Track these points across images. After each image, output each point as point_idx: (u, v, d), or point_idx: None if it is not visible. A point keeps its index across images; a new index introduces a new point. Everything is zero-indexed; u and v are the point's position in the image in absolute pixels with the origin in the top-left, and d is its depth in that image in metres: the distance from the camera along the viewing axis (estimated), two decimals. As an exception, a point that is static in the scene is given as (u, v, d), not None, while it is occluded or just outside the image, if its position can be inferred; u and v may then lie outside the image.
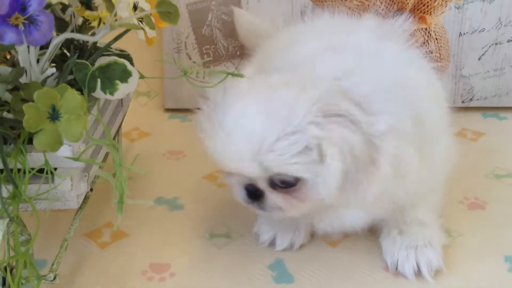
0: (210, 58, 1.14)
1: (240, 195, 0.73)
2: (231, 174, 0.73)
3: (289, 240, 0.79)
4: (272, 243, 0.80)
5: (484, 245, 0.80)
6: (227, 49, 1.14)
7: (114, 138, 0.87)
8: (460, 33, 1.13)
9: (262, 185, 0.70)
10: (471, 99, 1.17)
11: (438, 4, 1.13)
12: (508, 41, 1.13)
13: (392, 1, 1.11)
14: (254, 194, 0.71)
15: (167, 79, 1.13)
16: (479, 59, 1.15)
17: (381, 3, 1.12)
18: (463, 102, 1.17)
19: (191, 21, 1.12)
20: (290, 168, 0.66)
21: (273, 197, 0.70)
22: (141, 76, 0.73)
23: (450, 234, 0.81)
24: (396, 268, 0.75)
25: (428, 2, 1.12)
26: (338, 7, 1.05)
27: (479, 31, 1.13)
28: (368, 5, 1.12)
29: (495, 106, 1.17)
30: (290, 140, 0.64)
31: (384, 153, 0.64)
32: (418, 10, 1.13)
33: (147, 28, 0.73)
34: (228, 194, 0.90)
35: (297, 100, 0.65)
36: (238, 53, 1.14)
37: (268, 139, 0.65)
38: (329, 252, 0.79)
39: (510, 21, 1.12)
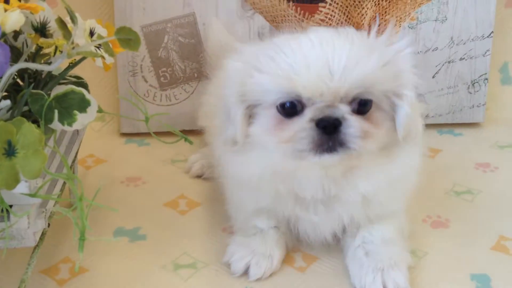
0: (167, 81, 1.12)
1: (310, 137, 0.67)
2: (299, 117, 0.68)
3: (263, 268, 0.77)
4: (245, 273, 0.77)
5: (450, 264, 0.80)
6: (184, 71, 1.12)
7: (70, 168, 0.83)
8: (414, 52, 1.15)
9: (343, 110, 0.67)
10: (426, 116, 1.19)
11: (392, 24, 1.14)
12: (461, 59, 1.16)
13: (348, 22, 1.12)
14: (332, 125, 0.66)
15: (123, 103, 1.10)
16: (433, 77, 1.17)
17: (337, 24, 1.13)
18: (419, 119, 1.18)
19: (146, 44, 1.10)
20: (377, 81, 0.67)
21: (354, 121, 0.67)
22: (100, 110, 0.70)
23: (415, 254, 0.81)
24: None
25: (382, 23, 1.14)
26: (295, 27, 1.05)
27: (433, 50, 1.16)
28: (324, 26, 1.13)
29: (450, 122, 1.19)
30: (372, 55, 0.67)
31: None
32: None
33: (106, 55, 0.71)
34: (192, 221, 0.89)
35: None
36: (195, 75, 1.12)
37: (353, 55, 0.66)
38: (299, 277, 0.78)
39: (462, 40, 1.15)
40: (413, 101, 0.70)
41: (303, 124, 0.67)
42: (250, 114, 0.71)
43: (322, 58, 0.66)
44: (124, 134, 1.14)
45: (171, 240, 0.85)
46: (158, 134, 0.80)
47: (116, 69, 1.11)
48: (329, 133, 0.66)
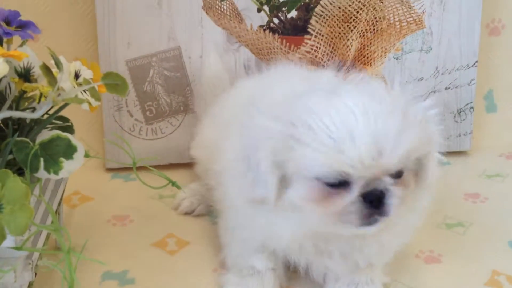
0: (153, 115, 1.11)
1: (359, 211, 0.67)
2: (345, 189, 0.67)
3: None
4: None
5: (446, 302, 0.79)
6: (170, 105, 1.10)
7: (56, 211, 0.81)
8: (400, 82, 1.15)
9: (386, 182, 0.67)
10: (414, 146, 1.19)
11: (377, 55, 1.15)
12: (446, 88, 1.16)
13: (334, 53, 1.12)
14: (378, 199, 0.67)
15: (108, 141, 1.08)
16: (420, 105, 1.17)
17: (323, 55, 1.13)
18: (406, 149, 1.18)
19: (131, 78, 1.08)
20: (418, 149, 0.68)
21: (396, 190, 0.68)
22: (86, 155, 0.68)
23: None
24: None
25: (368, 54, 1.14)
26: (280, 60, 1.05)
27: (418, 80, 1.16)
28: (310, 58, 1.12)
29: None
30: (411, 122, 0.67)
31: None
32: (359, 61, 1.15)
33: (92, 100, 0.70)
34: (182, 261, 0.87)
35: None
36: (181, 108, 1.11)
37: (397, 126, 0.65)
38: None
39: (447, 70, 1.15)
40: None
41: (351, 199, 0.67)
42: (285, 177, 0.69)
43: (368, 133, 0.64)
44: (110, 169, 1.12)
45: (160, 283, 0.83)
46: (144, 170, 0.79)
47: (101, 104, 1.09)
48: (376, 206, 0.67)
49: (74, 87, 0.69)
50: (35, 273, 0.71)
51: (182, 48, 1.08)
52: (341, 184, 0.67)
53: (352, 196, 0.66)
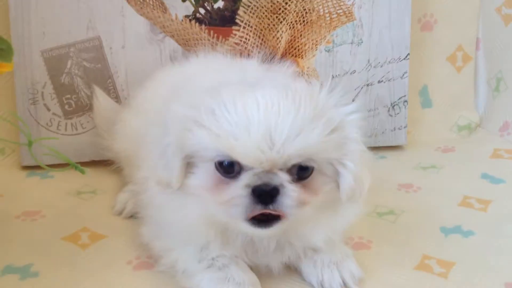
0: (72, 108, 1.05)
1: (244, 205, 0.64)
2: (237, 180, 0.65)
3: None
4: None
5: (374, 285, 0.75)
6: (90, 98, 1.05)
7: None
8: (332, 75, 1.13)
9: (282, 178, 0.64)
10: (348, 140, 1.15)
11: (308, 47, 1.12)
12: (379, 81, 1.14)
13: (263, 45, 1.09)
14: (268, 194, 0.64)
15: (21, 134, 1.02)
16: (352, 100, 1.14)
17: (253, 47, 1.10)
18: (341, 143, 1.15)
19: (47, 69, 1.02)
20: (319, 150, 0.65)
21: (293, 190, 0.65)
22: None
23: (335, 278, 0.76)
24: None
25: (298, 46, 1.12)
26: (208, 51, 1.01)
27: (350, 73, 1.14)
28: (240, 50, 1.09)
29: (372, 146, 1.16)
30: (318, 122, 0.64)
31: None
32: (290, 53, 1.12)
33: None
34: (95, 255, 0.80)
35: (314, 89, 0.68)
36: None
37: (297, 124, 0.63)
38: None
39: (379, 63, 1.14)
40: (360, 161, 0.69)
41: (238, 190, 0.64)
42: (189, 162, 0.68)
43: (264, 125, 0.63)
44: (26, 167, 1.05)
45: (68, 276, 0.76)
46: (61, 166, 0.73)
47: (14, 97, 1.02)
48: (264, 202, 0.64)
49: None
50: None
51: (102, 38, 1.03)
52: (235, 175, 0.65)
53: (239, 186, 0.64)
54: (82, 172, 0.73)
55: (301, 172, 0.66)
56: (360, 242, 0.84)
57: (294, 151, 0.63)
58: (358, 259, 0.80)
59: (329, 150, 0.66)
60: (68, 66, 1.03)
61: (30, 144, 0.69)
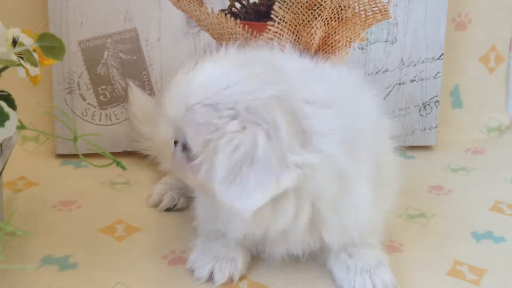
0: (107, 99, 1.06)
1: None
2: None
3: (228, 272, 0.74)
4: (209, 279, 0.74)
5: (404, 292, 0.76)
6: (125, 89, 1.05)
7: (-8, 190, 0.76)
8: (364, 73, 1.12)
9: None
10: (378, 139, 1.16)
11: (342, 45, 1.12)
12: (411, 81, 1.14)
13: (297, 41, 1.09)
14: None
15: (58, 122, 1.03)
16: (384, 99, 1.14)
17: (286, 42, 1.10)
18: (370, 142, 1.15)
19: (84, 60, 1.03)
20: (196, 136, 0.64)
21: (178, 152, 0.69)
22: (21, 126, 0.63)
23: (368, 281, 0.77)
24: None
25: (332, 43, 1.11)
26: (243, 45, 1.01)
27: (383, 72, 1.13)
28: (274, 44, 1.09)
29: (402, 145, 1.16)
30: (209, 110, 0.63)
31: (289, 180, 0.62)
32: (323, 51, 1.12)
33: (28, 65, 0.65)
34: (130, 248, 0.82)
35: (238, 80, 0.64)
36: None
37: (194, 99, 0.64)
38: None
39: (412, 62, 1.13)
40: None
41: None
42: None
43: (182, 87, 0.67)
44: (60, 156, 1.06)
45: (104, 269, 0.78)
46: (95, 156, 0.74)
47: (51, 87, 1.04)
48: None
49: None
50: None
51: (138, 30, 1.04)
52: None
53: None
54: (124, 168, 0.74)
55: (187, 150, 0.67)
56: (391, 245, 0.85)
57: (177, 112, 0.66)
58: (390, 263, 0.81)
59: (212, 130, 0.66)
60: (105, 57, 1.04)
61: (75, 139, 0.70)
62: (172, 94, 0.67)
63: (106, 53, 1.04)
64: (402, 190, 1.00)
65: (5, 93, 0.73)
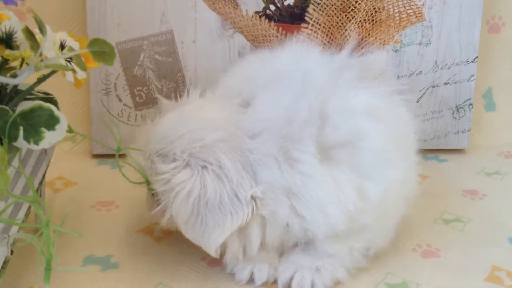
0: (142, 100, 1.07)
1: None
2: None
3: (266, 272, 0.76)
4: (250, 280, 0.76)
5: (443, 297, 0.76)
6: (161, 91, 1.07)
7: (37, 191, 0.77)
8: (398, 75, 1.12)
9: None
10: (411, 142, 1.15)
11: (376, 47, 1.12)
12: (445, 83, 1.14)
13: (331, 43, 1.09)
14: None
15: (95, 123, 1.04)
16: (417, 101, 1.14)
17: (319, 45, 1.10)
18: (403, 144, 1.15)
19: (121, 61, 1.04)
20: (156, 181, 0.71)
21: (148, 197, 0.77)
22: (70, 130, 0.64)
23: (407, 286, 0.77)
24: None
25: (365, 45, 1.11)
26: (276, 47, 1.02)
27: (417, 74, 1.13)
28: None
29: (434, 148, 1.16)
30: (162, 157, 0.71)
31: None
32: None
33: (77, 70, 0.66)
34: (169, 249, 0.83)
35: (187, 130, 0.71)
36: (172, 94, 1.07)
37: (154, 148, 0.72)
38: None
39: (446, 64, 1.13)
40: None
41: None
42: None
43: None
44: (97, 156, 1.08)
45: (145, 270, 0.79)
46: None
47: (88, 87, 1.05)
48: None
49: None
50: (12, 251, 0.66)
51: (174, 32, 1.05)
52: None
53: None
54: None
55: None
56: (428, 250, 0.85)
57: None
58: (427, 268, 0.81)
59: None
60: (141, 58, 1.05)
61: (118, 150, 0.72)
62: (139, 142, 0.74)
63: (142, 55, 1.05)
64: (437, 194, 1.01)
65: (51, 96, 0.74)
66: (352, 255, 0.77)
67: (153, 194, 0.74)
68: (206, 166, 0.69)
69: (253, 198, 0.69)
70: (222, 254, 0.74)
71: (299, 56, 0.80)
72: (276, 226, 0.72)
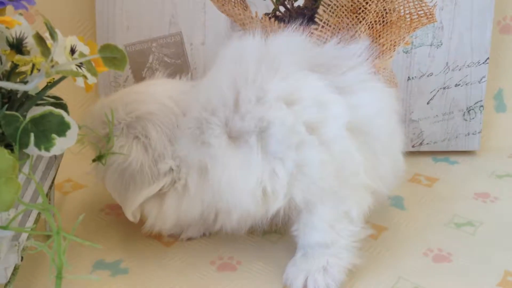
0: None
1: None
2: None
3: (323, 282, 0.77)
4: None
5: (456, 303, 0.75)
6: (169, 93, 1.06)
7: (46, 195, 0.77)
8: (408, 77, 1.11)
9: None
10: (421, 144, 1.15)
11: (386, 48, 1.11)
12: (456, 85, 1.13)
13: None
14: None
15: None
16: (427, 103, 1.13)
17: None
18: (413, 146, 1.14)
19: (130, 64, 1.04)
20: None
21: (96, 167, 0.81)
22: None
23: (418, 292, 0.77)
24: (287, 285, 0.77)
25: (376, 47, 1.10)
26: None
27: (427, 76, 1.12)
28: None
29: (445, 150, 1.15)
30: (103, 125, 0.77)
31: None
32: (367, 53, 1.11)
33: (88, 75, 0.65)
34: (178, 253, 0.82)
35: (128, 102, 0.77)
36: (181, 97, 1.07)
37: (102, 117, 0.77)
38: None
39: (457, 66, 1.12)
40: None
41: None
42: None
43: None
44: (105, 159, 1.07)
45: (156, 275, 0.79)
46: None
47: (97, 90, 1.05)
48: None
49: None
50: (22, 257, 0.66)
51: (183, 33, 1.04)
52: None
53: None
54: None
55: None
56: (440, 255, 0.84)
57: None
58: (439, 273, 0.80)
59: None
60: (150, 60, 1.04)
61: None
62: (92, 112, 0.80)
63: (151, 57, 1.04)
64: (448, 196, 1.00)
65: (61, 101, 0.74)
66: (337, 232, 0.77)
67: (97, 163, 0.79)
68: (138, 137, 0.75)
69: (171, 170, 0.75)
70: (142, 222, 0.78)
71: (261, 41, 0.80)
72: (190, 200, 0.75)
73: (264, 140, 0.73)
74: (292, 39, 0.81)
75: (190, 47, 1.05)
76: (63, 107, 0.71)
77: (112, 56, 0.63)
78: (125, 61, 0.63)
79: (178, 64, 1.06)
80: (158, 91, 0.79)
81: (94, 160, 0.78)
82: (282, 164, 0.73)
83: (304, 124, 0.73)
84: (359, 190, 0.77)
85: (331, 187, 0.74)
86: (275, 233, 0.88)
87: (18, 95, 0.67)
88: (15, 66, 0.68)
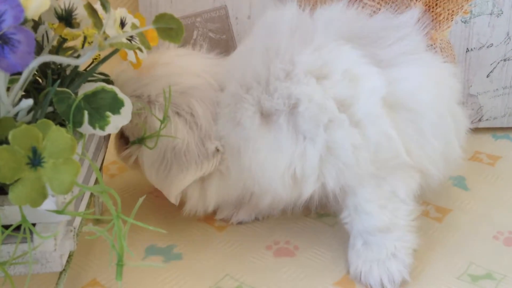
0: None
1: None
2: None
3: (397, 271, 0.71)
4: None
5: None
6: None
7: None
8: (467, 49, 1.05)
9: None
10: (480, 120, 1.08)
11: (443, 18, 1.04)
12: (517, 56, 1.06)
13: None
14: None
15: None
16: (487, 76, 1.06)
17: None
18: (472, 122, 1.08)
19: (174, 40, 0.99)
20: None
21: (117, 139, 0.76)
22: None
23: (492, 277, 0.71)
24: (360, 279, 0.71)
25: (433, 16, 1.04)
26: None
27: (487, 47, 1.05)
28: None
29: (505, 126, 1.09)
30: (136, 99, 0.70)
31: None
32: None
33: (142, 48, 0.61)
34: (231, 238, 0.78)
35: (160, 75, 0.70)
36: (227, 74, 1.02)
37: (129, 89, 0.70)
38: None
39: (519, 35, 1.05)
40: None
41: None
42: None
43: None
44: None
45: (210, 260, 0.75)
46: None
47: (141, 68, 1.01)
48: None
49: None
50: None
51: (228, 7, 0.99)
52: None
53: None
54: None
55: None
56: (511, 237, 0.79)
57: None
58: (509, 256, 0.75)
59: None
60: (194, 36, 1.00)
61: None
62: (117, 83, 0.70)
63: (195, 33, 1.00)
64: (511, 175, 0.94)
65: (109, 77, 0.70)
66: (392, 212, 0.71)
67: (121, 137, 0.74)
68: (179, 113, 0.69)
69: (217, 150, 0.70)
70: (182, 204, 0.73)
71: (298, 11, 0.74)
72: (232, 183, 0.71)
73: (294, 119, 0.68)
74: (335, 10, 0.75)
75: (235, 21, 1.00)
76: (112, 84, 0.67)
77: (167, 26, 0.58)
78: (182, 32, 0.59)
79: (223, 40, 1.01)
80: (189, 63, 0.73)
81: (133, 143, 0.72)
82: (313, 145, 0.67)
83: (334, 101, 0.67)
84: (402, 169, 0.71)
85: (367, 171, 0.68)
86: (332, 216, 0.83)
87: (68, 72, 0.63)
88: (63, 40, 0.64)
